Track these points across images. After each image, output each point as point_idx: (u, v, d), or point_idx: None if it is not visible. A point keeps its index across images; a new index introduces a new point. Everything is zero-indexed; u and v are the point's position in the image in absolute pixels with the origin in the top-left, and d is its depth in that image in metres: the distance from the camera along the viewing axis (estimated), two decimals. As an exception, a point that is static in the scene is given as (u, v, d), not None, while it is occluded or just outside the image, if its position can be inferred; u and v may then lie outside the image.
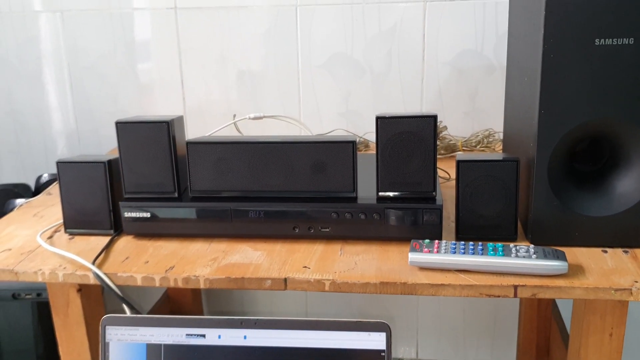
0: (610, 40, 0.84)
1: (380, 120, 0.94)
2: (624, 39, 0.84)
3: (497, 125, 1.40)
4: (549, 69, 0.86)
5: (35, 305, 1.43)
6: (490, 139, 1.37)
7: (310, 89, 1.53)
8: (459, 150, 1.36)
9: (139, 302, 1.78)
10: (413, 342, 1.72)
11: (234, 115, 1.41)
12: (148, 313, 1.52)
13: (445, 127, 1.39)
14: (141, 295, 1.77)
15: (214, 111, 1.59)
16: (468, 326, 1.69)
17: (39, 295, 1.39)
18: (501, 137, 1.32)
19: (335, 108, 1.54)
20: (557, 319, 1.42)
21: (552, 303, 1.49)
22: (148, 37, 1.55)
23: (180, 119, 1.04)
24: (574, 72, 0.85)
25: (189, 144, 0.99)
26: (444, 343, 1.71)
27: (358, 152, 1.43)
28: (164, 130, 0.99)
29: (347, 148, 0.97)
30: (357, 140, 1.47)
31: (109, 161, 1.01)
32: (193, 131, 1.61)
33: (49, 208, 1.20)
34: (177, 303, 1.65)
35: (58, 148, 1.69)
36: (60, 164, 1.02)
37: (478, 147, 1.36)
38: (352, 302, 1.71)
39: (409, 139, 0.94)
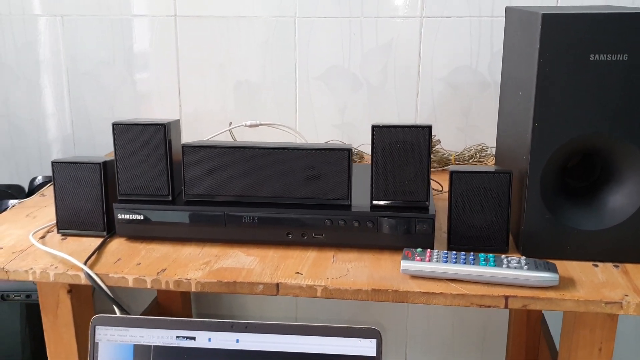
0: (605, 55, 0.85)
1: (377, 129, 0.95)
2: (619, 55, 0.85)
3: (489, 141, 1.41)
4: (544, 82, 0.87)
5: (24, 307, 1.42)
6: (483, 154, 1.38)
7: (307, 100, 1.54)
8: (452, 164, 1.37)
9: (129, 308, 1.77)
10: (402, 353, 1.71)
11: (230, 123, 1.41)
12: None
13: (439, 141, 1.40)
14: (131, 300, 1.76)
15: (210, 120, 1.59)
16: (457, 339, 1.68)
17: (28, 296, 1.38)
18: (493, 152, 1.33)
19: (331, 120, 1.54)
20: (546, 333, 1.43)
21: (541, 318, 1.49)
22: (147, 44, 1.56)
23: (177, 122, 1.04)
24: (568, 86, 0.87)
25: (185, 147, 0.99)
26: (432, 356, 1.70)
27: (352, 163, 1.43)
28: (161, 133, 0.99)
29: (343, 156, 0.98)
30: (352, 151, 1.48)
31: (105, 162, 1.02)
32: (188, 139, 1.61)
33: (42, 209, 1.20)
34: (167, 309, 1.64)
35: (53, 153, 1.68)
36: (55, 163, 1.02)
37: (470, 161, 1.37)
38: (342, 311, 1.70)
39: (403, 149, 0.95)
